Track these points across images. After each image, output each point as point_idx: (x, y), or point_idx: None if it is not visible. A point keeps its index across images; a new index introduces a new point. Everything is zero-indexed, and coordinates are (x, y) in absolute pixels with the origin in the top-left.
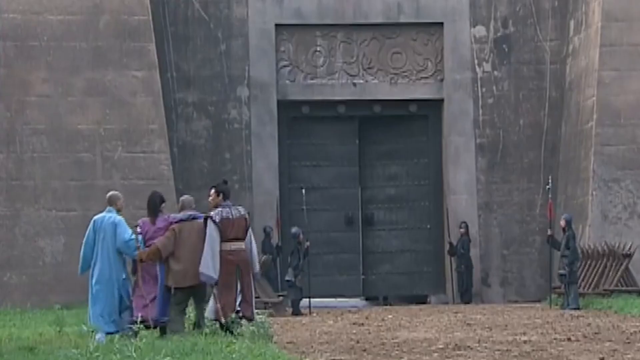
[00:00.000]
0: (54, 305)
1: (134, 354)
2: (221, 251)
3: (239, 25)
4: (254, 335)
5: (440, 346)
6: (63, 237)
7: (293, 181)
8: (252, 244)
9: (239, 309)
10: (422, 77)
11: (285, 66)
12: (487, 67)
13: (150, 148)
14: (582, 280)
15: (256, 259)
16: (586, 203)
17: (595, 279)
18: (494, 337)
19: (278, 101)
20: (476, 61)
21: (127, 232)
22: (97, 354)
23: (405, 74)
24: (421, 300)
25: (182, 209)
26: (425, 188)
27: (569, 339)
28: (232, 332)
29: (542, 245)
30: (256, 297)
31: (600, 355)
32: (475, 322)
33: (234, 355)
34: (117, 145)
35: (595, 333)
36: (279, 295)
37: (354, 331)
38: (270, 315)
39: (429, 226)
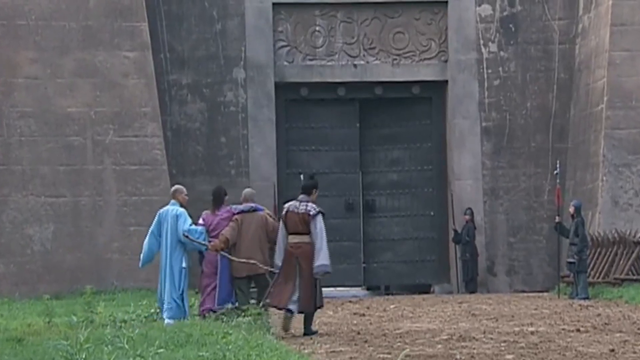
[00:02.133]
0: (43, 295)
1: (126, 345)
2: (287, 243)
3: (235, 4)
4: (250, 326)
5: (445, 337)
6: (52, 225)
7: (291, 166)
8: (319, 239)
9: (291, 307)
10: (425, 58)
11: (283, 47)
12: (493, 47)
13: (143, 132)
14: (592, 268)
15: (319, 256)
16: (596, 189)
17: (605, 267)
18: (500, 327)
19: (276, 83)
20: (481, 41)
21: (186, 224)
22: (87, 345)
23: (408, 54)
24: (424, 289)
25: (244, 201)
26: (428, 173)
27: (577, 330)
28: (223, 321)
29: (550, 232)
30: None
31: (611, 347)
32: (480, 313)
33: (229, 347)
34: (108, 129)
35: (605, 324)
36: None
37: (355, 322)
38: (268, 305)
39: (432, 213)
